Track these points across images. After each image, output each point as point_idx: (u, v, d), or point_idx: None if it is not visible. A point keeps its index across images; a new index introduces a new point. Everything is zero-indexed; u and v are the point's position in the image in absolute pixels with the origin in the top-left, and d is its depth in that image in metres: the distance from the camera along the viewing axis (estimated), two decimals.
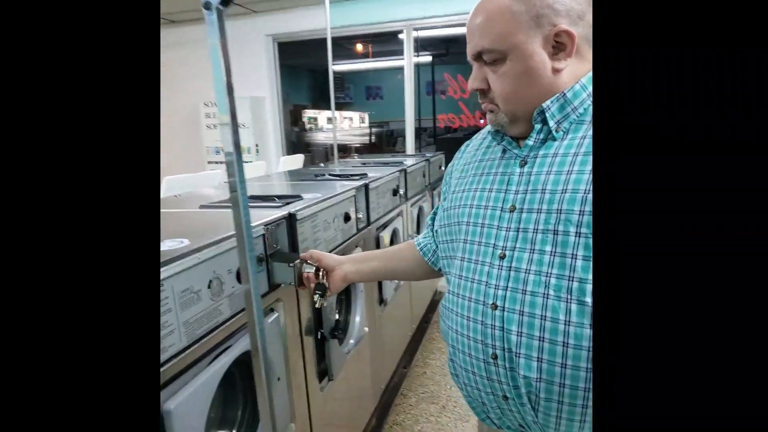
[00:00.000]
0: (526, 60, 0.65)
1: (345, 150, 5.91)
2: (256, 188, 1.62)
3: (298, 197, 1.32)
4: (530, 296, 0.64)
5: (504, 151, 0.75)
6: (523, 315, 0.64)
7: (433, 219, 0.96)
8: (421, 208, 2.44)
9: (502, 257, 0.68)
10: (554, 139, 0.68)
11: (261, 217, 1.08)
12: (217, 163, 4.15)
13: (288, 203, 1.23)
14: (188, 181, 2.17)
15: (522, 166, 0.70)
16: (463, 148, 0.89)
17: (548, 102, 0.67)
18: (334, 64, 2.73)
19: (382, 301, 1.86)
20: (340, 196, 1.42)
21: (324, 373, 1.35)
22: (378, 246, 1.79)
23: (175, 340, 0.79)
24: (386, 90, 6.73)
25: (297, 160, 3.30)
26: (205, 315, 0.86)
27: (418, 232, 2.41)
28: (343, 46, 5.61)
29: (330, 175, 1.93)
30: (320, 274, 1.00)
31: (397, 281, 2.05)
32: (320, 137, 6.44)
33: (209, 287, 0.87)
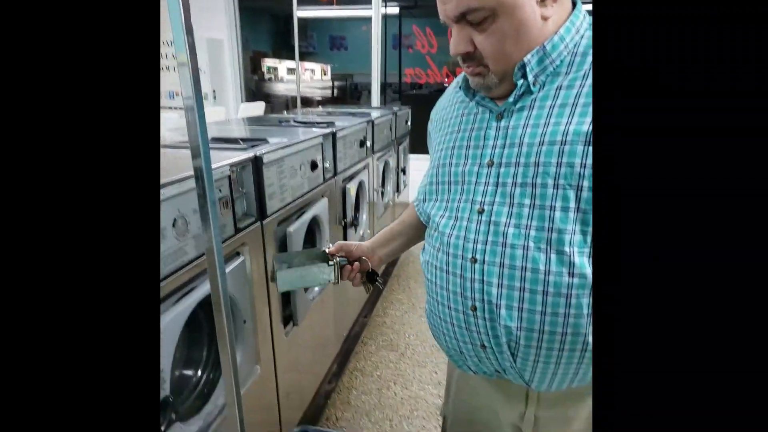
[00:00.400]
0: (517, 12, 0.62)
1: (307, 103, 5.73)
2: (215, 132, 1.55)
3: (264, 140, 1.28)
4: (510, 249, 0.65)
5: (477, 105, 0.74)
6: (503, 267, 0.65)
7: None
8: (386, 163, 2.43)
9: (480, 212, 0.68)
10: (531, 92, 0.67)
11: (225, 158, 1.04)
12: (172, 108, 3.92)
13: (253, 146, 1.19)
14: None
15: (498, 120, 0.69)
16: (434, 109, 0.87)
17: (528, 56, 0.65)
18: (297, 10, 2.59)
19: None
20: (307, 143, 1.39)
21: (289, 318, 1.36)
22: (344, 198, 1.79)
23: None
24: (351, 41, 6.49)
25: (257, 108, 3.17)
26: (170, 254, 0.83)
27: (383, 185, 2.41)
28: None
29: (295, 121, 1.87)
30: (362, 261, 0.90)
31: (361, 233, 2.06)
32: (280, 88, 6.18)
33: (174, 226, 0.84)
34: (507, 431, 0.84)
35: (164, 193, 0.81)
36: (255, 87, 5.61)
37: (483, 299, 0.67)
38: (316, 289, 1.56)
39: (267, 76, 6.04)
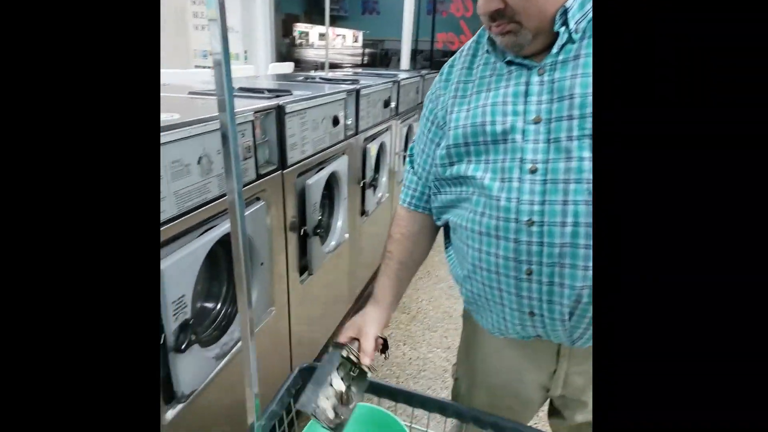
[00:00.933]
0: None
1: (338, 68, 5.69)
2: (244, 83, 1.59)
3: (288, 92, 1.31)
4: (573, 206, 0.61)
5: (509, 64, 0.69)
6: (565, 226, 0.62)
7: (411, 163, 0.87)
8: (410, 127, 2.43)
9: (533, 171, 0.64)
10: (572, 42, 0.62)
11: (249, 105, 1.08)
12: (204, 67, 3.97)
13: (278, 96, 1.23)
14: (175, 76, 2.09)
15: (540, 74, 0.65)
16: (445, 69, 0.81)
17: (570, 1, 0.61)
18: None
19: (363, 212, 1.92)
20: (329, 97, 1.41)
21: (305, 268, 1.42)
22: (365, 158, 1.81)
23: (166, 206, 0.82)
24: (383, 5, 6.35)
25: (287, 67, 3.19)
26: (194, 189, 0.89)
27: (405, 150, 2.42)
28: None
29: (320, 78, 1.89)
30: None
31: (379, 195, 2.10)
32: (311, 53, 6.15)
33: (198, 163, 0.89)
34: (530, 392, 0.84)
35: (191, 131, 0.86)
36: (286, 51, 5.61)
37: (542, 262, 0.65)
38: (333, 242, 1.62)
39: (298, 41, 6.01)
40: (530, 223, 0.64)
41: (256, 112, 1.06)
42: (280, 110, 1.15)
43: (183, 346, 0.86)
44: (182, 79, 2.05)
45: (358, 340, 0.77)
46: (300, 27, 6.04)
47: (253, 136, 1.07)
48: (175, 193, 0.84)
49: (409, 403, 0.74)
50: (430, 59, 4.56)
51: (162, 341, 0.85)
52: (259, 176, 1.11)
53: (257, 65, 3.99)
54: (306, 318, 1.47)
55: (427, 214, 0.86)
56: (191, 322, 0.88)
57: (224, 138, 0.58)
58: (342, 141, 1.56)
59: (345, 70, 3.04)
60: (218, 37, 0.55)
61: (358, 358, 0.74)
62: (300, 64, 5.70)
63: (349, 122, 1.60)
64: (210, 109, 0.99)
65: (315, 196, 1.34)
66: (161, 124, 0.81)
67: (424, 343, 2.13)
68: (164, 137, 0.80)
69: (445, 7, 3.94)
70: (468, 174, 0.71)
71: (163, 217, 0.82)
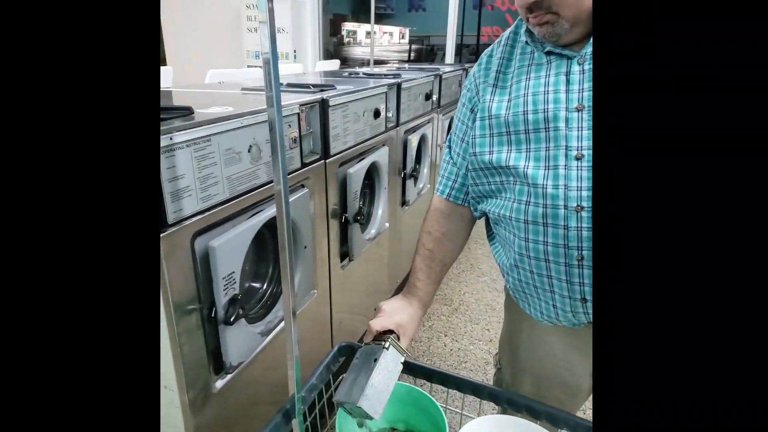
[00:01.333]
0: None
1: (383, 64, 5.75)
2: (291, 80, 1.67)
3: (332, 87, 1.37)
4: None
5: (548, 54, 0.70)
6: None
7: (450, 153, 0.87)
8: (452, 119, 2.44)
9: (579, 158, 0.65)
10: None
11: (296, 99, 1.15)
12: (256, 67, 4.16)
13: (322, 90, 1.29)
14: (229, 74, 2.23)
15: (581, 63, 0.66)
16: (484, 59, 0.82)
17: None
18: None
19: (404, 202, 1.96)
20: (371, 91, 1.46)
21: (345, 254, 1.48)
22: (405, 149, 1.85)
23: (219, 190, 0.90)
24: (429, 2, 6.35)
25: (333, 65, 3.29)
26: (244, 175, 0.96)
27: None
28: None
29: (364, 74, 1.95)
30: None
31: (420, 186, 2.12)
32: (358, 51, 6.26)
33: (249, 151, 0.97)
34: (580, 381, 0.84)
35: (242, 122, 0.93)
36: (334, 50, 5.74)
37: (592, 247, 0.64)
38: (373, 230, 1.67)
39: (346, 39, 6.13)
40: (579, 208, 0.65)
41: (301, 105, 1.13)
42: (324, 103, 1.22)
43: (232, 319, 0.94)
44: (236, 77, 2.18)
45: (393, 332, 0.78)
46: (348, 26, 6.17)
47: (299, 127, 1.13)
48: (227, 178, 0.92)
49: (444, 384, 0.76)
50: (476, 53, 4.51)
51: (213, 314, 0.93)
52: (303, 165, 1.17)
53: (306, 64, 4.12)
54: (346, 303, 1.54)
55: (466, 206, 0.86)
56: (239, 297, 0.96)
57: (271, 130, 0.64)
58: (383, 133, 1.61)
59: (390, 65, 3.09)
60: (267, 37, 0.61)
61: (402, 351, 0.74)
62: (347, 62, 5.82)
63: (390, 115, 1.64)
64: (260, 103, 1.07)
65: (355, 185, 1.40)
66: (218, 116, 0.89)
67: (465, 335, 2.14)
68: (218, 128, 0.87)
69: (491, 1, 3.89)
70: (510, 164, 0.72)
71: (216, 200, 0.90)
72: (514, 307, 0.88)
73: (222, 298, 0.93)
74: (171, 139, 0.78)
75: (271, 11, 0.61)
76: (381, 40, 6.52)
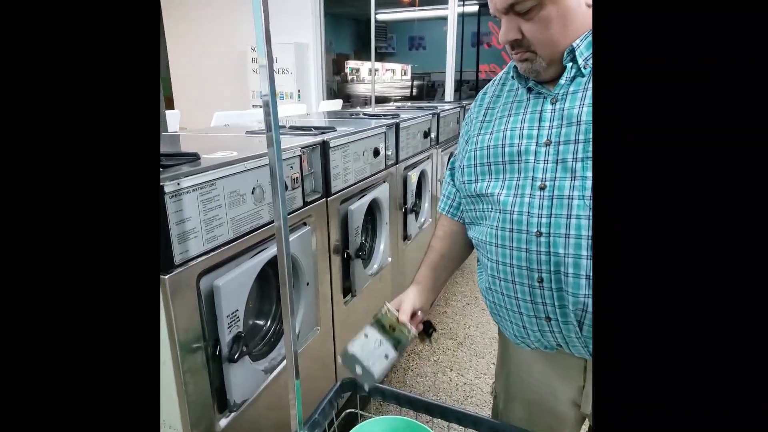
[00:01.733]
0: (562, 1, 0.67)
1: (385, 101, 5.92)
2: (296, 122, 1.75)
3: (332, 129, 1.43)
4: (575, 219, 0.68)
5: (529, 90, 0.78)
6: (569, 238, 0.68)
7: (452, 175, 0.95)
8: (451, 155, 2.50)
9: (542, 188, 0.71)
10: (582, 75, 0.70)
11: (298, 141, 1.21)
12: (260, 107, 4.30)
13: (323, 133, 1.35)
14: (235, 117, 2.32)
15: (553, 103, 0.73)
16: (480, 96, 0.90)
17: (577, 41, 0.69)
18: (377, 13, 2.75)
19: (406, 237, 1.99)
20: (370, 131, 1.52)
21: (348, 289, 1.50)
22: (405, 185, 1.90)
23: (224, 231, 0.94)
24: (429, 41, 6.59)
25: (335, 104, 3.40)
26: (248, 216, 1.01)
27: None
28: None
29: (364, 114, 2.02)
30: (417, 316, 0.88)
31: (421, 220, 2.16)
32: (361, 88, 6.46)
33: (252, 193, 1.01)
34: (565, 408, 0.86)
35: (246, 165, 0.98)
36: (337, 87, 5.93)
37: (550, 270, 0.71)
38: (375, 265, 1.69)
39: (350, 77, 6.34)
40: (539, 234, 0.71)
41: (302, 148, 1.18)
42: (324, 145, 1.27)
43: (236, 356, 0.96)
44: (242, 119, 2.27)
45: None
46: (351, 64, 6.39)
47: (300, 168, 1.18)
48: (232, 219, 0.96)
49: (444, 417, 0.78)
50: (475, 89, 4.65)
51: (217, 352, 0.96)
52: (305, 203, 1.22)
53: (309, 103, 4.26)
54: (349, 339, 1.54)
55: (463, 222, 0.93)
56: (243, 335, 0.98)
57: (272, 170, 0.68)
58: (383, 170, 1.66)
59: (390, 104, 3.19)
60: (266, 80, 0.65)
61: (396, 318, 0.83)
62: (350, 99, 5.99)
63: (389, 153, 1.70)
64: (264, 147, 1.12)
65: (357, 221, 1.43)
66: (223, 161, 0.94)
67: (471, 369, 2.12)
68: (224, 171, 0.92)
69: (488, 39, 4.04)
70: (488, 191, 0.79)
71: (221, 240, 0.94)
72: (502, 333, 0.91)
73: (226, 336, 0.95)
74: (178, 184, 0.83)
75: (270, 54, 0.66)
76: (384, 77, 6.73)
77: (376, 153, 1.57)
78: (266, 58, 0.64)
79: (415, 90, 6.72)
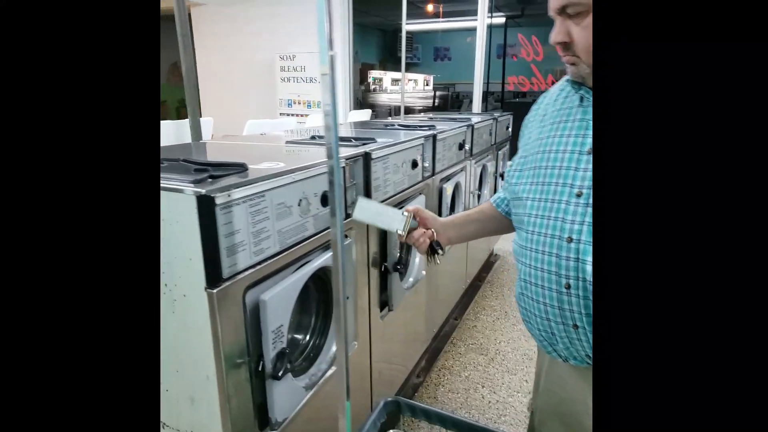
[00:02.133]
0: None
1: (408, 111, 5.92)
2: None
3: (372, 140, 1.41)
4: None
5: (581, 99, 0.78)
6: None
7: (506, 178, 1.00)
8: (484, 167, 2.46)
9: (578, 195, 0.73)
10: None
11: (342, 152, 1.19)
12: (288, 115, 4.34)
13: (364, 144, 1.33)
14: (267, 125, 2.33)
15: None
16: (540, 99, 0.92)
17: None
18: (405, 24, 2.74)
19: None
20: (409, 143, 1.50)
21: (385, 303, 1.47)
22: (441, 197, 1.87)
23: (271, 244, 0.92)
24: (454, 51, 6.58)
25: (364, 114, 3.40)
26: (293, 228, 0.99)
27: (480, 189, 2.45)
28: (415, 4, 5.51)
29: (399, 125, 2.00)
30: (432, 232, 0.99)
31: None
32: (383, 98, 6.48)
33: (299, 205, 0.99)
34: None
35: (294, 176, 0.97)
36: (361, 97, 5.96)
37: (577, 276, 0.71)
38: (411, 278, 1.66)
39: (372, 86, 6.37)
40: (569, 240, 0.72)
41: (347, 159, 1.16)
42: (366, 156, 1.25)
43: (280, 374, 0.94)
44: (274, 127, 2.28)
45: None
46: (374, 74, 6.43)
47: (344, 180, 1.16)
48: (278, 231, 0.94)
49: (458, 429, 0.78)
50: (500, 101, 4.61)
51: (260, 368, 0.93)
52: (347, 215, 1.19)
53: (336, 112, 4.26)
54: (386, 354, 1.51)
55: (503, 214, 1.02)
56: (287, 351, 0.96)
57: (331, 183, 0.66)
58: (420, 182, 1.63)
59: (419, 114, 3.17)
60: (329, 90, 0.63)
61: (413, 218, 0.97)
62: (374, 109, 6.01)
63: (426, 165, 1.67)
64: (307, 157, 1.11)
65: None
66: (273, 172, 0.92)
67: (503, 386, 2.06)
68: (273, 183, 0.91)
69: (516, 51, 4.01)
70: (529, 195, 0.81)
71: (268, 253, 0.92)
72: (540, 348, 0.91)
73: (270, 352, 0.93)
74: (229, 195, 0.81)
75: (333, 63, 0.64)
76: (406, 87, 6.74)
77: (414, 165, 1.54)
78: (329, 66, 0.62)
79: (437, 101, 6.71)
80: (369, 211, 0.99)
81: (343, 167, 1.15)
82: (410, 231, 0.98)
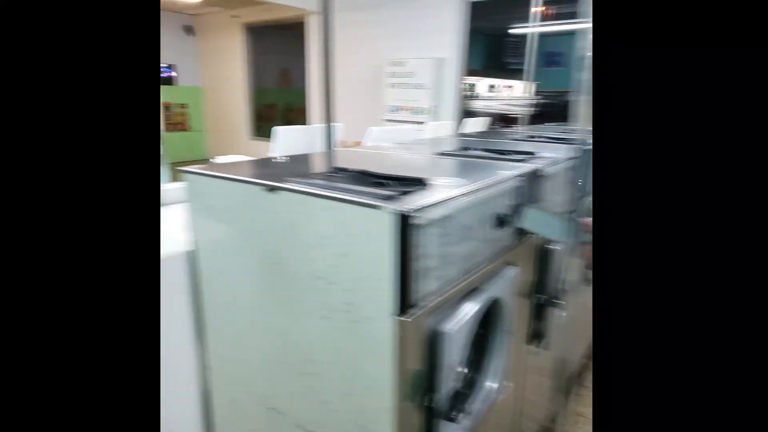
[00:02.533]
0: None
1: (508, 120, 5.66)
2: (466, 143, 1.62)
3: (532, 154, 1.28)
4: None
5: None
6: None
7: None
8: None
9: None
10: None
11: (510, 168, 1.07)
12: (392, 121, 4.32)
13: (528, 159, 1.20)
14: (389, 133, 2.29)
15: None
16: None
17: None
18: (512, 27, 2.56)
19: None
20: (571, 160, 1.34)
21: (538, 336, 1.32)
22: None
23: (455, 269, 0.83)
24: (568, 57, 6.18)
25: (481, 123, 3.27)
26: (473, 252, 0.89)
27: None
28: (526, 7, 5.26)
29: (546, 137, 1.84)
30: None
31: None
32: (478, 105, 6.27)
33: (482, 227, 0.89)
34: None
35: (482, 195, 0.86)
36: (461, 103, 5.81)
37: None
38: (564, 313, 1.49)
39: (471, 93, 6.19)
40: None
41: (518, 177, 1.04)
42: (536, 174, 1.12)
43: (454, 416, 0.84)
44: (396, 134, 2.23)
45: None
46: (469, 80, 6.23)
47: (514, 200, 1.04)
48: (462, 256, 0.84)
49: None
50: None
51: (430, 405, 0.84)
52: (519, 241, 1.07)
53: (444, 118, 4.17)
54: (539, 395, 1.36)
55: None
56: (463, 391, 0.86)
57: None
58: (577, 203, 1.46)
59: (545, 125, 2.97)
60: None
61: None
62: (474, 115, 5.82)
63: (580, 183, 1.50)
64: (470, 171, 1.01)
65: (559, 261, 1.26)
66: (463, 191, 0.83)
67: None
68: (463, 203, 0.81)
69: None
70: None
71: (449, 279, 0.82)
72: None
73: (444, 388, 0.83)
74: (425, 215, 0.73)
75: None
76: (502, 94, 6.46)
77: (574, 183, 1.38)
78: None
79: (538, 109, 6.34)
80: (538, 221, 1.00)
81: (516, 187, 1.03)
82: (584, 244, 1.03)
